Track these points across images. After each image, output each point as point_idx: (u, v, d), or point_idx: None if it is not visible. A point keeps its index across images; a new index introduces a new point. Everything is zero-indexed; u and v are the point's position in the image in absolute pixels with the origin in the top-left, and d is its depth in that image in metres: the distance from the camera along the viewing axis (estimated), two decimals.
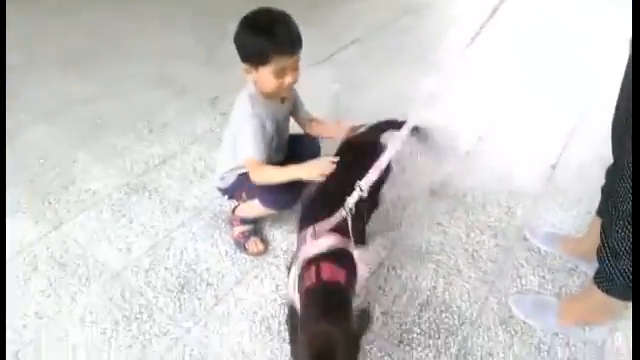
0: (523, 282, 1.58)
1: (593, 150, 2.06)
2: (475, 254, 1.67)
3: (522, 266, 1.63)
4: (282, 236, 1.73)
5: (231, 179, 1.63)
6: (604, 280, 1.28)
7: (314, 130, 1.71)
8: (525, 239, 1.71)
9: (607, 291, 1.29)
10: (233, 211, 1.73)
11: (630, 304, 1.33)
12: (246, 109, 1.47)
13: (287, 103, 1.62)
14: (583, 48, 3.02)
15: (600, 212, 1.50)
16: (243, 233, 1.68)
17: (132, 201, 1.87)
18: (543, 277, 1.60)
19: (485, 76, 2.71)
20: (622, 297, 1.28)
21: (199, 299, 1.53)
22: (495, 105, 2.48)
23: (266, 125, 1.50)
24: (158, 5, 3.54)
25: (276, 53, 1.37)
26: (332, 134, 1.66)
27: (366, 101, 2.49)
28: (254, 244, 1.67)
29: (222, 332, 1.44)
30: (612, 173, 1.42)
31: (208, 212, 1.83)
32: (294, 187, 1.58)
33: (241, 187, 1.63)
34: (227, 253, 1.67)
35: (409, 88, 2.56)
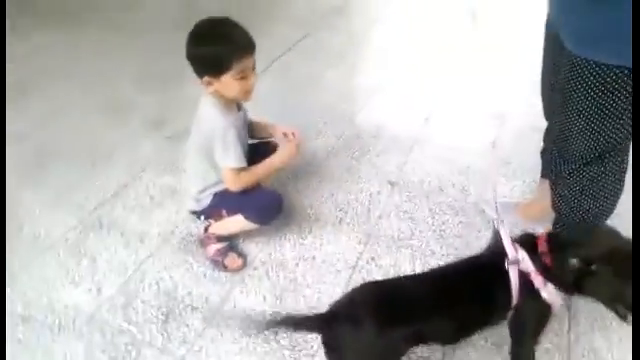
0: None
1: (526, 124, 2.27)
2: (443, 233, 1.78)
3: (485, 237, 1.77)
4: (257, 248, 1.73)
5: (207, 200, 1.61)
6: (562, 226, 1.46)
7: (259, 132, 1.76)
8: (483, 212, 1.85)
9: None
10: (206, 229, 1.70)
11: None
12: (218, 120, 1.47)
13: (242, 111, 1.63)
14: (510, 29, 3.29)
15: (544, 174, 1.68)
16: (219, 250, 1.65)
17: (90, 239, 1.77)
18: None
19: (420, 66, 2.89)
20: None
21: (187, 325, 1.49)
22: (432, 92, 2.64)
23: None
24: (87, 32, 3.34)
25: (236, 57, 1.40)
26: (268, 134, 1.75)
27: (310, 101, 2.56)
28: (232, 260, 1.65)
29: (219, 353, 1.41)
30: (548, 133, 1.59)
31: (175, 237, 1.78)
32: (277, 198, 1.63)
33: (220, 205, 1.61)
34: (205, 274, 1.64)
35: (348, 85, 2.67)
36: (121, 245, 1.75)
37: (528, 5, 3.43)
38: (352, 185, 2.00)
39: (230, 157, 1.50)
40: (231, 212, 1.62)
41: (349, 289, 1.52)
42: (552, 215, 1.54)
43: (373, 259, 1.67)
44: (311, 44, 3.17)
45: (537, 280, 1.12)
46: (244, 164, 1.54)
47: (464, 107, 2.52)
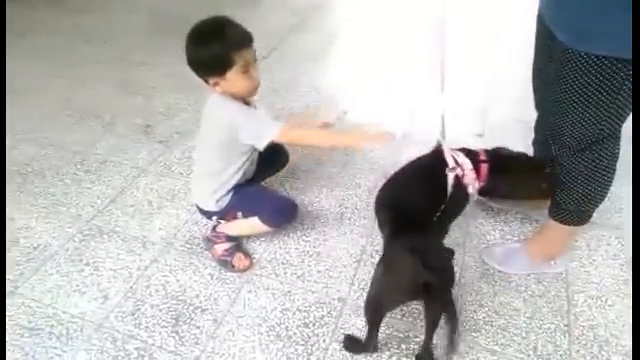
0: (488, 238, 1.77)
1: (511, 113, 2.35)
2: None
3: (482, 225, 1.83)
4: (262, 247, 1.74)
5: (226, 200, 1.63)
6: (558, 211, 1.53)
7: None
8: (479, 201, 1.91)
9: (562, 221, 1.53)
10: (214, 228, 1.70)
11: (576, 231, 1.61)
12: (234, 108, 1.48)
13: (252, 106, 1.60)
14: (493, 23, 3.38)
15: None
16: (227, 250, 1.66)
17: (92, 247, 1.75)
18: (502, 230, 1.81)
19: (404, 62, 2.94)
20: (576, 222, 1.54)
21: (198, 327, 1.49)
22: (417, 87, 2.69)
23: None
24: (59, 40, 3.28)
25: (235, 51, 1.41)
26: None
27: (298, 103, 2.58)
28: (240, 260, 1.66)
29: (232, 352, 1.42)
30: (540, 124, 1.66)
31: (178, 241, 1.77)
32: (292, 204, 1.68)
33: (237, 206, 1.63)
34: (213, 276, 1.64)
35: (324, 83, 2.70)
36: (123, 251, 1.74)
37: None
38: (349, 181, 2.03)
39: (266, 127, 1.47)
40: (247, 214, 1.63)
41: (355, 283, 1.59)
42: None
43: (377, 252, 1.70)
44: (289, 47, 3.19)
45: (469, 178, 1.47)
46: (282, 125, 1.48)
47: (448, 101, 2.58)
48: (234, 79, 1.44)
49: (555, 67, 1.30)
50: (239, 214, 1.65)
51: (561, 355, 1.42)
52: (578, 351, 1.43)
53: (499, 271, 1.64)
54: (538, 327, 1.49)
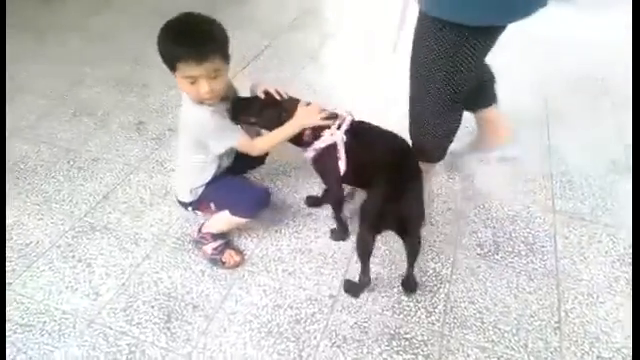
0: (479, 235, 1.78)
1: None
2: (433, 220, 1.83)
3: (474, 222, 1.83)
4: (254, 243, 1.75)
5: (199, 190, 1.62)
6: None
7: None
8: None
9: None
10: (200, 230, 1.71)
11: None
12: (199, 112, 1.46)
13: (226, 102, 1.58)
14: None
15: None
16: (216, 249, 1.66)
17: (84, 244, 1.75)
18: (494, 227, 1.81)
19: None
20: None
21: (190, 323, 1.49)
22: None
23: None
24: (53, 38, 3.27)
25: (180, 61, 1.35)
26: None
27: None
28: (230, 256, 1.66)
29: (224, 349, 1.43)
30: None
31: (170, 238, 1.77)
32: (264, 192, 1.64)
33: (209, 198, 1.63)
34: (204, 272, 1.65)
35: (319, 82, 2.71)
36: (116, 248, 1.74)
37: None
38: None
39: (228, 137, 1.51)
40: (219, 206, 1.63)
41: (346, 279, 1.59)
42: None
43: None
44: (281, 47, 3.19)
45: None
46: (245, 136, 1.54)
47: None
48: (181, 83, 1.40)
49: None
50: (212, 205, 1.65)
51: (552, 352, 1.42)
52: (569, 348, 1.44)
53: (490, 268, 1.66)
54: (529, 324, 1.50)
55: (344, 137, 1.54)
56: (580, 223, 1.83)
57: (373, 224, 1.43)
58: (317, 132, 1.56)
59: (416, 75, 1.62)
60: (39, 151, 2.20)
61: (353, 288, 1.58)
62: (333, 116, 1.58)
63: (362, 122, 1.61)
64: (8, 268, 1.66)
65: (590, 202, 1.92)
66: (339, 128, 1.55)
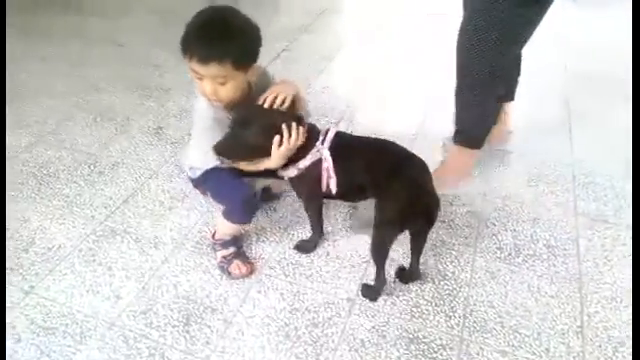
0: (499, 238, 1.76)
1: None
2: (452, 223, 1.82)
3: (494, 225, 1.81)
4: (272, 248, 1.75)
5: (197, 172, 1.62)
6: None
7: None
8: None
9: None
10: (213, 235, 1.72)
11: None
12: (198, 102, 1.47)
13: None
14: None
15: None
16: (225, 257, 1.66)
17: (104, 248, 1.78)
18: (514, 230, 1.79)
19: (412, 63, 2.93)
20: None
21: (209, 327, 1.51)
22: (425, 87, 2.68)
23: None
24: (73, 42, 3.34)
25: (186, 53, 1.34)
26: None
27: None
28: (236, 267, 1.65)
29: (242, 352, 1.43)
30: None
31: (189, 242, 1.79)
32: (248, 198, 1.59)
33: (205, 185, 1.65)
34: (223, 276, 1.65)
35: (336, 83, 2.71)
36: (136, 251, 1.76)
37: None
38: None
39: (198, 143, 1.51)
40: (213, 198, 1.67)
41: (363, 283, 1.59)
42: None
43: None
44: (296, 49, 3.20)
45: None
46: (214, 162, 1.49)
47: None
48: (190, 73, 1.38)
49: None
50: (208, 193, 1.67)
51: (574, 357, 1.39)
52: (592, 353, 1.41)
53: (511, 272, 1.63)
54: (550, 328, 1.47)
55: (326, 156, 1.46)
56: (603, 225, 1.80)
57: (400, 223, 1.42)
58: (299, 149, 1.46)
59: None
60: (61, 156, 2.24)
61: (370, 292, 1.58)
62: (313, 130, 1.50)
63: (346, 133, 1.56)
64: (32, 272, 1.69)
65: (614, 204, 1.88)
66: (323, 143, 1.48)
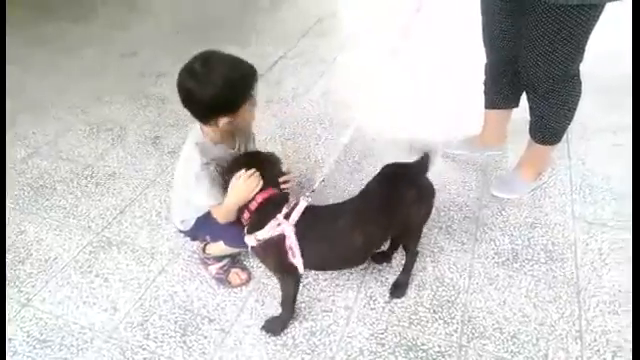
0: (497, 243, 1.75)
1: None
2: (449, 229, 1.81)
3: (491, 230, 1.81)
4: None
5: (190, 223, 1.63)
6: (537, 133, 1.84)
7: None
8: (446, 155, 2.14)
9: (542, 141, 1.84)
10: (204, 250, 1.71)
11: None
12: (196, 161, 1.42)
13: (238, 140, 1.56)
14: None
15: (492, 103, 2.04)
16: (221, 268, 1.66)
17: (101, 259, 1.77)
18: (511, 234, 1.78)
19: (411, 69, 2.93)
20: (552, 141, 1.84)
21: (205, 337, 1.50)
22: (425, 95, 2.68)
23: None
24: (71, 54, 3.35)
25: (250, 84, 1.37)
26: None
27: (306, 111, 2.58)
28: (236, 276, 1.65)
29: None
30: (493, 68, 1.93)
31: (186, 251, 1.79)
32: None
33: (203, 230, 1.63)
34: (219, 286, 1.65)
35: (339, 92, 2.71)
36: (132, 262, 1.76)
37: None
38: (357, 188, 2.01)
39: (204, 197, 1.45)
40: (214, 238, 1.63)
41: (362, 291, 1.58)
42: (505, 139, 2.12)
43: None
44: (298, 55, 3.21)
45: None
46: (219, 201, 1.44)
47: (457, 108, 2.57)
48: (246, 112, 1.39)
49: (530, 18, 1.53)
50: (207, 238, 1.66)
51: None
52: (590, 358, 1.40)
53: (509, 276, 1.63)
54: (549, 334, 1.46)
55: (289, 233, 1.29)
56: (601, 229, 1.79)
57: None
58: (261, 217, 1.34)
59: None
60: (57, 167, 2.24)
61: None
62: (278, 197, 1.40)
63: (317, 207, 1.38)
64: (28, 284, 1.69)
65: (611, 207, 1.88)
66: (288, 217, 1.30)
